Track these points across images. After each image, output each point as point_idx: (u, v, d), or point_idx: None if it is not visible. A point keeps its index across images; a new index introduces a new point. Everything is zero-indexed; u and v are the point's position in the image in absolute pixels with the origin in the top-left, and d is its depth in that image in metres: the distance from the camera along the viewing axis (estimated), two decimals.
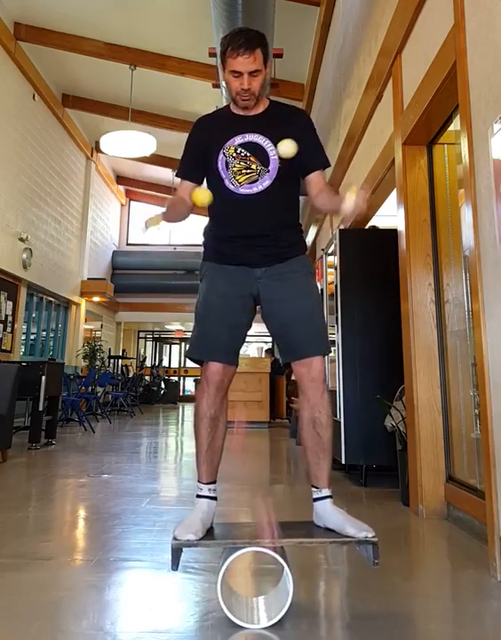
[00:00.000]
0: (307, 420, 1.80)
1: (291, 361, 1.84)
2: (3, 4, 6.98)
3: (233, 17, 4.65)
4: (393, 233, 3.40)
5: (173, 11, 6.62)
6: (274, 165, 1.85)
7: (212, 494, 1.82)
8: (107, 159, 11.95)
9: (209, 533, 1.71)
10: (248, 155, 1.85)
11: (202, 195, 1.79)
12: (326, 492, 1.77)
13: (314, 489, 1.80)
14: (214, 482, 1.84)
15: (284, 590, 1.60)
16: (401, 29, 3.11)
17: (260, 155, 1.85)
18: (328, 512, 1.73)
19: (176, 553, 1.64)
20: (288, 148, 1.77)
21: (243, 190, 1.85)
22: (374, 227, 4.63)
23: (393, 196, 3.47)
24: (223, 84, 1.97)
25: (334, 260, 4.16)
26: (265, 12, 4.78)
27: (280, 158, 1.81)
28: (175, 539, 1.64)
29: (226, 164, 1.86)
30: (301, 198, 2.04)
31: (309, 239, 7.59)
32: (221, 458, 1.87)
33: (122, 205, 14.44)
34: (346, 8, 4.47)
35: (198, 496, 1.82)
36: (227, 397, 1.89)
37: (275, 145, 1.85)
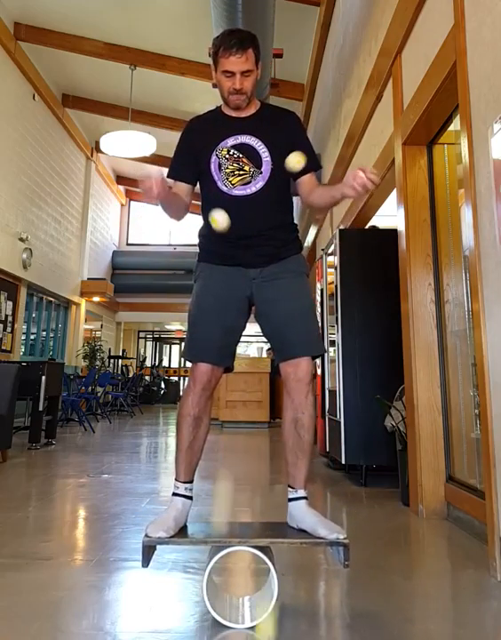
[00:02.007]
0: (290, 421, 1.81)
1: (281, 361, 1.84)
2: (3, 4, 6.98)
3: (233, 17, 4.64)
4: (393, 233, 3.40)
5: (173, 11, 6.62)
6: (266, 167, 1.85)
7: (188, 493, 1.83)
8: (107, 159, 11.96)
9: (181, 531, 1.71)
10: (240, 156, 1.86)
11: (221, 219, 1.76)
12: (301, 492, 1.78)
13: (289, 489, 1.81)
14: (191, 481, 1.85)
15: (270, 590, 1.60)
16: (401, 29, 3.11)
17: (253, 156, 1.85)
18: (302, 513, 1.74)
19: (147, 550, 1.65)
20: (295, 160, 1.77)
21: (237, 192, 1.85)
22: (374, 227, 4.63)
23: (393, 195, 3.47)
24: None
25: (334, 259, 4.16)
26: (265, 12, 4.78)
27: (284, 166, 1.80)
28: (146, 536, 1.65)
29: (219, 165, 1.86)
30: (295, 198, 2.04)
31: (309, 239, 7.59)
32: (200, 458, 1.88)
33: (122, 205, 14.44)
34: (346, 8, 4.48)
35: (174, 494, 1.83)
36: (212, 399, 1.90)
37: (268, 146, 1.85)
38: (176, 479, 1.85)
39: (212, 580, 1.65)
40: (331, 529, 1.64)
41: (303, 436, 1.79)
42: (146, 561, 1.65)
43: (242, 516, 2.95)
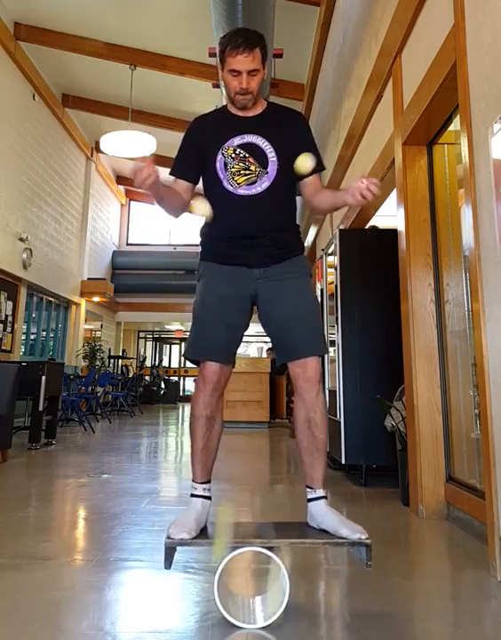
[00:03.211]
0: (302, 421, 1.81)
1: (287, 361, 1.84)
2: (3, 4, 6.98)
3: (233, 17, 4.64)
4: (393, 233, 3.40)
5: (173, 11, 6.62)
6: (272, 167, 1.85)
7: (207, 494, 1.82)
8: (107, 159, 11.95)
9: (203, 532, 1.71)
10: (247, 156, 1.85)
11: (203, 207, 1.77)
12: (320, 492, 1.78)
13: (308, 489, 1.81)
14: (208, 481, 1.85)
15: (281, 590, 1.60)
16: (401, 29, 3.10)
17: (259, 156, 1.85)
18: (322, 513, 1.74)
19: (169, 552, 1.65)
20: (302, 163, 1.77)
21: (242, 191, 1.84)
22: (374, 227, 4.63)
23: (393, 196, 3.47)
24: (222, 83, 1.95)
25: (334, 260, 4.16)
26: (265, 12, 4.78)
27: (293, 167, 1.79)
28: (169, 537, 1.65)
29: (225, 164, 1.86)
30: (298, 199, 2.04)
31: (309, 239, 7.59)
32: (216, 458, 1.88)
33: (122, 205, 14.43)
34: (346, 8, 4.47)
35: (192, 495, 1.82)
36: (223, 398, 1.90)
37: (274, 146, 1.85)
38: (193, 480, 1.84)
39: (222, 580, 1.65)
40: (353, 529, 1.64)
41: (317, 436, 1.80)
42: (168, 562, 1.65)
43: (242, 517, 2.95)
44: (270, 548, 1.61)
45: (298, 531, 1.76)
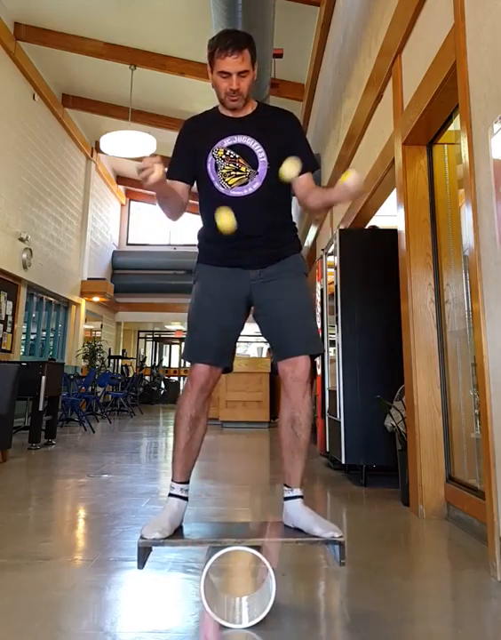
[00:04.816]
0: (287, 419, 1.82)
1: (279, 360, 1.84)
2: (3, 4, 6.98)
3: (233, 17, 4.64)
4: (393, 233, 3.40)
5: (173, 11, 6.62)
6: (262, 167, 1.85)
7: (184, 494, 1.82)
8: (107, 159, 11.95)
9: (177, 533, 1.71)
10: (237, 157, 1.85)
11: (227, 221, 1.74)
12: (297, 491, 1.79)
13: (285, 488, 1.81)
14: (187, 482, 1.85)
15: (268, 590, 1.61)
16: (401, 29, 3.10)
17: (249, 156, 1.85)
18: (297, 512, 1.75)
19: (143, 552, 1.64)
20: (290, 169, 1.73)
21: (234, 192, 1.84)
22: (374, 227, 4.63)
23: (393, 195, 3.47)
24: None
25: (334, 259, 4.16)
26: (265, 12, 4.78)
27: (278, 171, 1.75)
28: (142, 537, 1.64)
29: (216, 166, 1.86)
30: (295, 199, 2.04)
31: (309, 239, 7.58)
32: (197, 458, 1.88)
33: (122, 205, 14.43)
34: (346, 8, 4.48)
35: (170, 494, 1.82)
36: (211, 399, 1.91)
37: (264, 146, 1.84)
38: (172, 479, 1.85)
39: (210, 580, 1.66)
40: (327, 527, 1.65)
41: (299, 436, 1.80)
42: (141, 563, 1.64)
43: (242, 516, 2.95)
44: (258, 549, 1.61)
45: (273, 530, 1.76)
